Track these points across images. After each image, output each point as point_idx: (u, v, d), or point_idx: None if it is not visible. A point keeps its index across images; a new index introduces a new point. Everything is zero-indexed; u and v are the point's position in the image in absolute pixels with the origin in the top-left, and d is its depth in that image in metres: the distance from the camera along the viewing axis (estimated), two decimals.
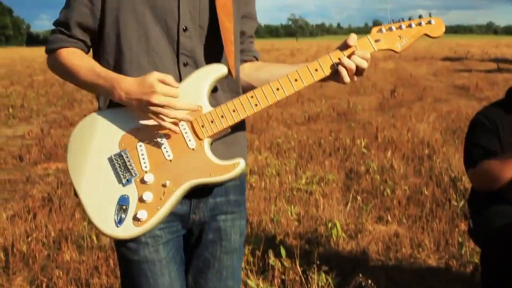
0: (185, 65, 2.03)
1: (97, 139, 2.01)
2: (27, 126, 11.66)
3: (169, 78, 1.91)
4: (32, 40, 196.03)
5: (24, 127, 11.41)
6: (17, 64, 37.65)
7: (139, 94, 1.90)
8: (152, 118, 1.93)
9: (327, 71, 2.03)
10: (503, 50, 46.41)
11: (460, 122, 10.43)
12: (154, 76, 1.89)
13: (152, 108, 1.90)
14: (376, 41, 2.06)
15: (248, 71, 2.24)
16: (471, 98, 14.63)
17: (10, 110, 13.89)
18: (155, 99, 1.88)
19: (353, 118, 11.60)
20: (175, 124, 1.95)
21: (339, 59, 2.01)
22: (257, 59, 2.31)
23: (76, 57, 2.04)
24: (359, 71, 2.01)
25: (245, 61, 2.27)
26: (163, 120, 1.92)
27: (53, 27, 2.11)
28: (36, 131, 10.82)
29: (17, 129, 11.27)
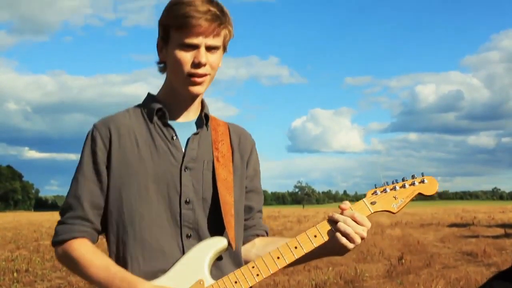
0: (188, 237, 2.06)
1: None
2: None
3: None
4: (41, 204, 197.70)
5: None
6: (24, 228, 37.68)
7: None
8: None
9: (326, 237, 2.04)
10: (509, 215, 46.40)
11: None
12: None
13: None
14: (372, 203, 2.09)
15: (259, 246, 2.26)
16: (480, 264, 14.44)
17: (15, 274, 13.74)
18: None
19: (360, 286, 11.41)
20: None
21: (336, 224, 2.03)
22: (267, 234, 2.34)
23: (88, 252, 2.04)
24: (357, 235, 2.03)
25: (257, 235, 2.30)
26: None
27: (60, 217, 2.12)
28: None
29: None
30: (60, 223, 2.11)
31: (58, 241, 2.09)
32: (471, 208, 76.68)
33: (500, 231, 25.39)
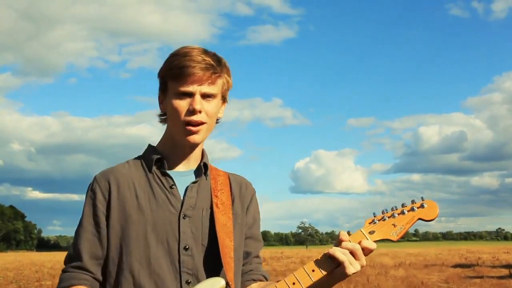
0: (187, 283, 2.06)
1: None
2: None
3: None
4: (43, 245, 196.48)
5: None
6: (25, 268, 37.46)
7: None
8: None
9: (324, 271, 2.00)
10: None
11: None
12: None
13: None
14: (370, 232, 2.05)
15: None
16: None
17: None
18: None
19: None
20: None
21: (334, 257, 1.99)
22: (266, 279, 2.31)
23: None
24: (357, 263, 2.00)
25: (254, 280, 2.28)
26: None
27: (64, 266, 2.15)
28: None
29: None
30: (63, 272, 2.15)
31: None
32: (475, 249, 76.17)
33: (505, 271, 25.24)
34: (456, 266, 31.93)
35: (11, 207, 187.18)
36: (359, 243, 2.01)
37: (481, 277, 23.05)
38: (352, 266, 2.00)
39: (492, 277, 22.82)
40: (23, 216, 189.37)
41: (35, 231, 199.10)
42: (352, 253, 2.01)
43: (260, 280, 2.29)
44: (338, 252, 2.00)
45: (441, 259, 39.67)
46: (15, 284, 23.58)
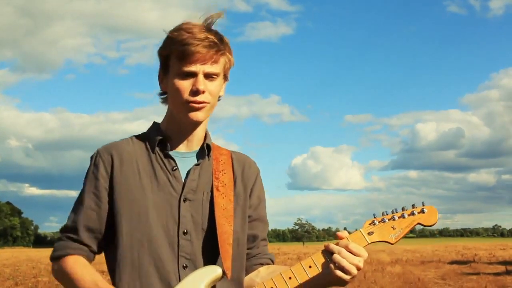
0: (184, 267, 2.05)
1: None
2: None
3: None
4: (40, 241, 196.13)
5: None
6: (22, 265, 37.41)
7: None
8: None
9: (321, 268, 2.00)
10: (510, 252, 46.10)
11: None
12: None
13: None
14: (369, 233, 2.04)
15: (263, 275, 2.21)
16: None
17: None
18: None
19: None
20: None
21: (331, 255, 1.99)
22: (273, 262, 2.31)
23: (81, 267, 2.07)
24: (353, 266, 1.97)
25: (262, 264, 2.27)
26: None
27: (60, 234, 2.17)
28: None
29: None
30: (58, 239, 2.16)
31: (54, 257, 2.14)
32: (472, 245, 76.23)
33: (501, 268, 25.25)
34: (452, 262, 31.95)
35: (8, 203, 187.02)
36: (346, 247, 2.00)
37: (478, 273, 23.07)
38: (350, 269, 1.97)
39: (489, 273, 22.84)
40: (20, 212, 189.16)
41: (32, 228, 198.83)
42: (349, 251, 1.99)
43: (268, 264, 2.29)
44: (335, 249, 2.00)
45: (438, 256, 39.69)
46: (12, 281, 23.55)
